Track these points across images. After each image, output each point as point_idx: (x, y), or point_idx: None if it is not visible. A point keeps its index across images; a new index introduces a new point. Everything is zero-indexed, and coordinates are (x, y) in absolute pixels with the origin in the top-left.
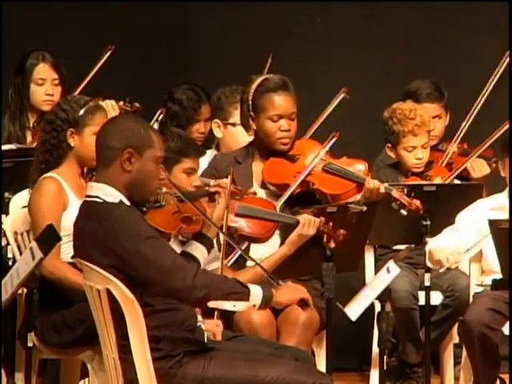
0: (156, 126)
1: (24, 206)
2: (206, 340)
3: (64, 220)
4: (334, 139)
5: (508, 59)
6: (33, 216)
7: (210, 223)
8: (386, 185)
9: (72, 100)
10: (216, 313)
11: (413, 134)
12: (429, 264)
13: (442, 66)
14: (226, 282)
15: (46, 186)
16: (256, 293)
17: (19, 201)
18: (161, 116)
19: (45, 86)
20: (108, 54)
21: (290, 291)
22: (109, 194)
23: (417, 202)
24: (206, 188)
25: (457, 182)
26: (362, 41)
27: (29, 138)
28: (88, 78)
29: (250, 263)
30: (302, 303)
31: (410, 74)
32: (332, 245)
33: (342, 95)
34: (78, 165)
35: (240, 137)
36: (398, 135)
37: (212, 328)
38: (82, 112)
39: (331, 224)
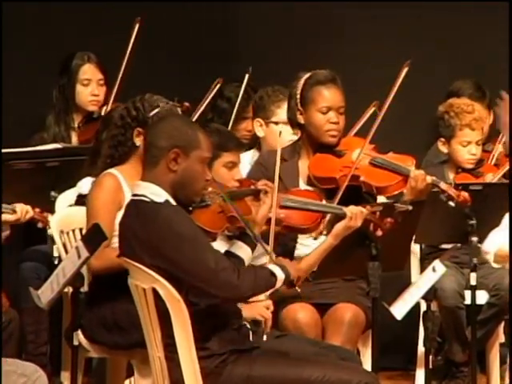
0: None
1: (70, 205)
2: (251, 339)
3: (118, 218)
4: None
5: None
6: (88, 210)
7: (246, 227)
8: (434, 178)
9: (147, 100)
10: (265, 295)
11: (470, 127)
12: (495, 265)
13: (483, 65)
14: (264, 277)
15: (105, 182)
16: (280, 277)
17: (65, 200)
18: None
19: (90, 86)
20: (137, 26)
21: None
22: (155, 193)
23: (465, 194)
24: (252, 186)
25: (505, 181)
26: (405, 39)
27: (74, 138)
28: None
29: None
30: None
31: (452, 74)
32: (379, 233)
33: (373, 109)
34: (142, 165)
35: (282, 136)
36: (455, 129)
37: (261, 310)
38: (152, 113)
39: (378, 213)
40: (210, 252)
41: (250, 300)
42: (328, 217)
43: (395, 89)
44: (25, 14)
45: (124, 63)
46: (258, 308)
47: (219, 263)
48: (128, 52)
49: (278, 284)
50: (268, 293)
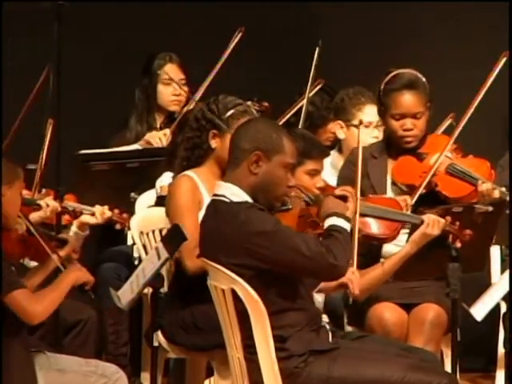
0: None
1: (150, 206)
2: (330, 340)
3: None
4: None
5: None
6: (170, 213)
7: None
8: (504, 189)
9: (222, 101)
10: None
11: None
12: None
13: None
14: (346, 240)
15: (182, 185)
16: (347, 226)
17: (145, 201)
18: None
19: (172, 86)
20: (239, 36)
21: None
22: (235, 194)
23: None
24: (335, 191)
25: None
26: (482, 40)
27: None
28: (216, 69)
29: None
30: None
31: None
32: (458, 245)
33: (449, 121)
34: (218, 167)
35: (363, 139)
36: None
37: (348, 275)
38: (227, 115)
39: (458, 224)
40: (299, 239)
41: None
42: None
43: (490, 80)
44: (113, 14)
45: (217, 67)
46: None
47: (311, 247)
48: (224, 58)
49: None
50: None
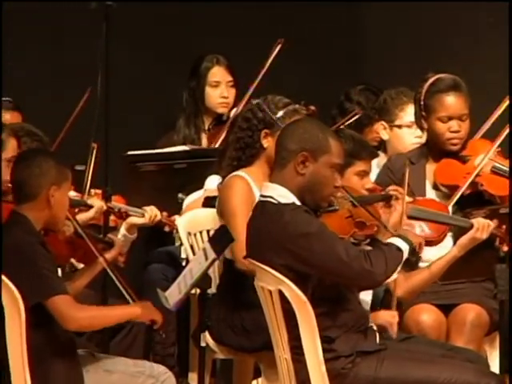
0: None
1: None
2: (377, 341)
3: None
4: (503, 136)
5: None
6: (225, 215)
7: (387, 230)
8: None
9: (272, 101)
10: (393, 303)
11: None
12: None
13: None
14: (392, 255)
15: (236, 185)
16: (405, 249)
17: (192, 202)
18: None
19: (220, 88)
20: (278, 48)
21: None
22: (282, 195)
23: None
24: (386, 190)
25: None
26: None
27: (204, 140)
28: (259, 77)
29: (422, 264)
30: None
31: None
32: (505, 248)
33: (507, 103)
34: (268, 166)
35: (407, 139)
36: None
37: (388, 318)
38: (279, 114)
39: (504, 227)
40: (339, 244)
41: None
42: None
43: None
44: (163, 15)
45: (259, 77)
46: (385, 315)
47: (350, 253)
48: (264, 69)
49: (405, 256)
50: (399, 269)
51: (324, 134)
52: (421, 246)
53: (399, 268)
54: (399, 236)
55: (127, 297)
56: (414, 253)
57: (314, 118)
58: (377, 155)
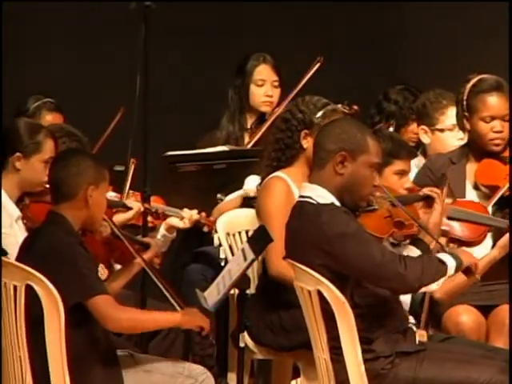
0: None
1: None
2: (417, 342)
3: None
4: None
5: None
6: (262, 216)
7: (425, 230)
8: None
9: (310, 101)
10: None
11: None
12: None
13: None
14: (431, 264)
15: (275, 187)
16: (451, 265)
17: (225, 203)
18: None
19: (264, 87)
20: (317, 66)
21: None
22: (321, 195)
23: None
24: (421, 193)
25: None
26: None
27: (246, 139)
28: (295, 92)
29: None
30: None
31: None
32: None
33: None
34: (308, 167)
35: (449, 142)
36: None
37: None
38: (318, 115)
39: None
40: (375, 246)
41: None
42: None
43: None
44: (202, 15)
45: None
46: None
47: (385, 255)
48: (301, 85)
49: (450, 272)
50: (440, 281)
51: (362, 133)
52: (476, 267)
53: (441, 280)
54: (450, 253)
55: (168, 297)
56: (470, 272)
57: (352, 118)
58: (415, 155)
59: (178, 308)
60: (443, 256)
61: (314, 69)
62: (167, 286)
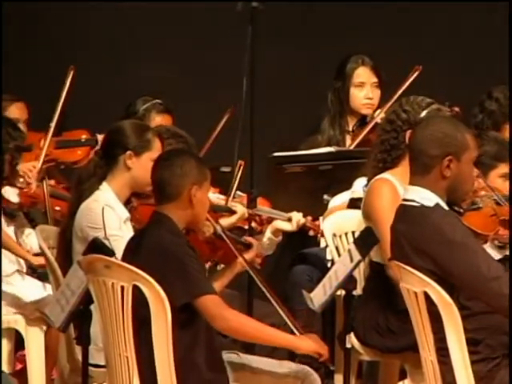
0: None
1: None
2: None
3: None
4: None
5: None
6: (370, 218)
7: None
8: None
9: (414, 101)
10: None
11: None
12: None
13: None
14: None
15: (381, 189)
16: None
17: (337, 206)
18: None
19: (365, 89)
20: (415, 74)
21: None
22: (425, 197)
23: None
24: None
25: None
26: None
27: (348, 141)
28: (393, 100)
29: None
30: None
31: None
32: None
33: None
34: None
35: None
36: None
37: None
38: (423, 114)
39: None
40: (483, 258)
41: None
42: None
43: None
44: (308, 14)
45: (397, 94)
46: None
47: (492, 270)
48: (399, 93)
49: None
50: None
51: (460, 131)
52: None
53: None
54: None
55: (269, 297)
56: None
57: (441, 117)
58: None
59: (294, 329)
60: None
61: (413, 77)
62: (266, 285)
